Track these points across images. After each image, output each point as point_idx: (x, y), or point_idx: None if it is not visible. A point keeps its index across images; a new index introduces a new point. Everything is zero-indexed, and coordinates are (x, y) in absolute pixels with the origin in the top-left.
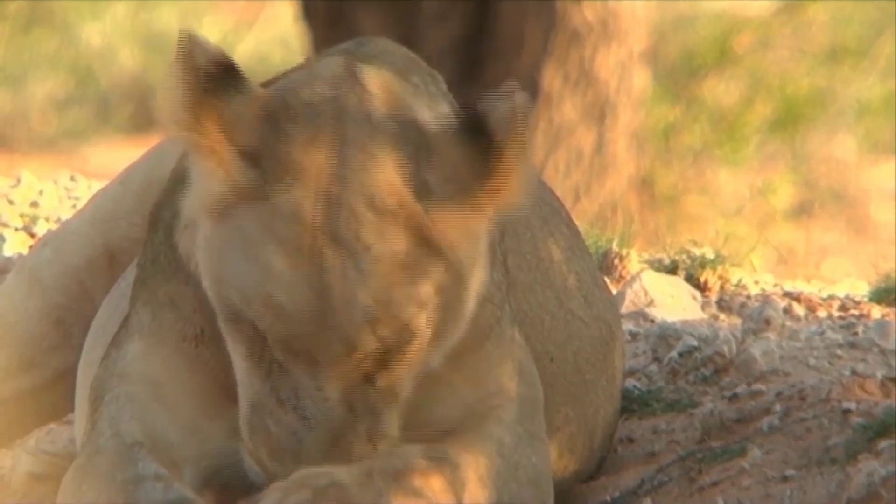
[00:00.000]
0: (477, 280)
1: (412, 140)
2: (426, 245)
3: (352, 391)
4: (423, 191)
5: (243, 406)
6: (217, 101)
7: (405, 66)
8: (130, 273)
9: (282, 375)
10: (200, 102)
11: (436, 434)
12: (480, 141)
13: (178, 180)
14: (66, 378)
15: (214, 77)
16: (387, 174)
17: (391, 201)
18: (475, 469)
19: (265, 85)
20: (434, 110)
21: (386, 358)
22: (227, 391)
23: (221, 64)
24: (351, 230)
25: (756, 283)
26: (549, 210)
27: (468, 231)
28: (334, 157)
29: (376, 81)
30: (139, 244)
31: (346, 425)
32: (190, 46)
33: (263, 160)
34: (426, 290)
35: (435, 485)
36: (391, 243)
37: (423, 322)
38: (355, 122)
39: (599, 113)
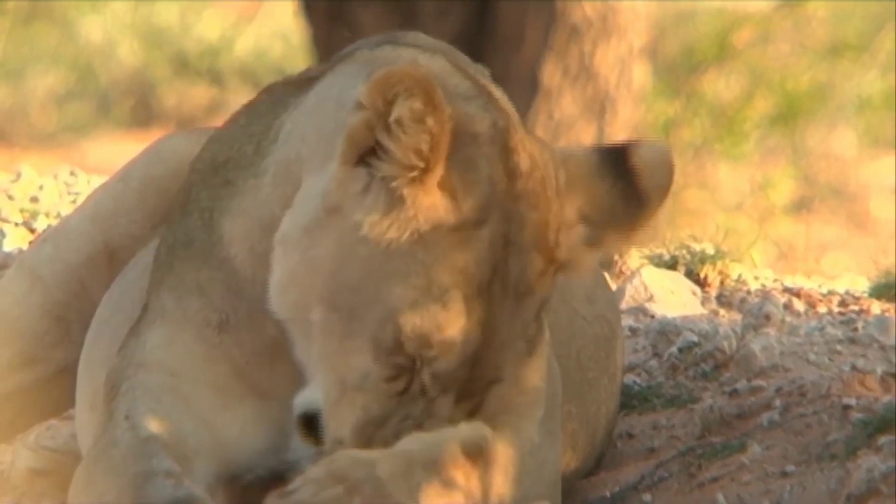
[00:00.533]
0: None
1: (557, 171)
2: (555, 274)
3: (479, 405)
4: (567, 227)
5: (355, 415)
6: (446, 140)
7: (456, 56)
8: (132, 269)
9: (420, 399)
10: (444, 146)
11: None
12: (623, 181)
13: (219, 163)
14: (66, 374)
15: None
16: (546, 213)
17: (552, 243)
18: (507, 466)
19: (308, 76)
20: (484, 76)
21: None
22: (246, 380)
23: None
24: (522, 275)
25: (756, 278)
26: None
27: (590, 264)
28: (513, 198)
29: (495, 90)
30: (139, 241)
31: (456, 420)
32: (432, 86)
33: (459, 194)
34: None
35: (470, 481)
36: (547, 284)
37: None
38: (518, 155)
39: (599, 108)
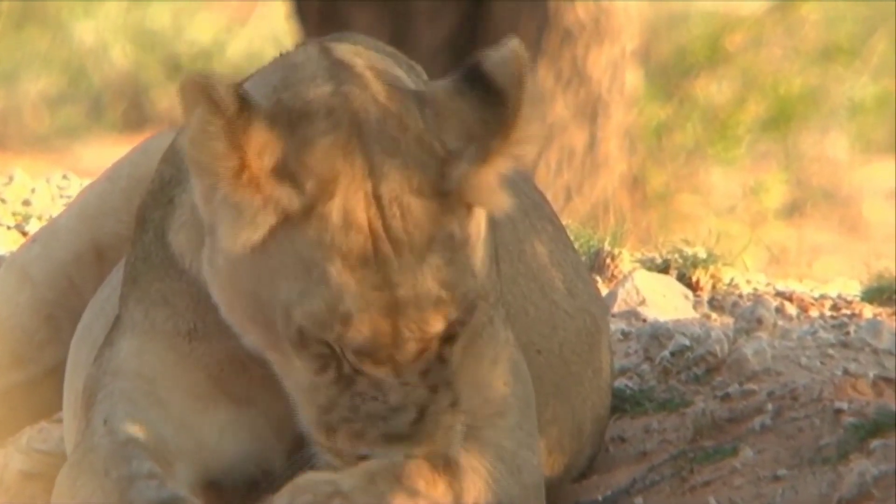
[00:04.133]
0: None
1: (422, 110)
2: (467, 212)
3: (432, 373)
4: (450, 158)
5: (311, 410)
6: (248, 135)
7: (376, 45)
8: (115, 276)
9: (361, 379)
10: (240, 144)
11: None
12: (485, 92)
13: (165, 181)
14: (57, 373)
15: (240, 112)
16: (415, 154)
17: (430, 179)
18: (478, 473)
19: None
20: (416, 74)
21: (454, 333)
22: (221, 386)
23: (239, 94)
24: (405, 223)
25: (748, 282)
26: (530, 203)
27: (495, 185)
28: (362, 155)
29: (357, 57)
30: (127, 240)
31: (430, 401)
32: (211, 87)
33: (299, 177)
34: (477, 256)
35: (437, 488)
36: (443, 223)
37: (479, 288)
38: (366, 111)
39: (591, 112)
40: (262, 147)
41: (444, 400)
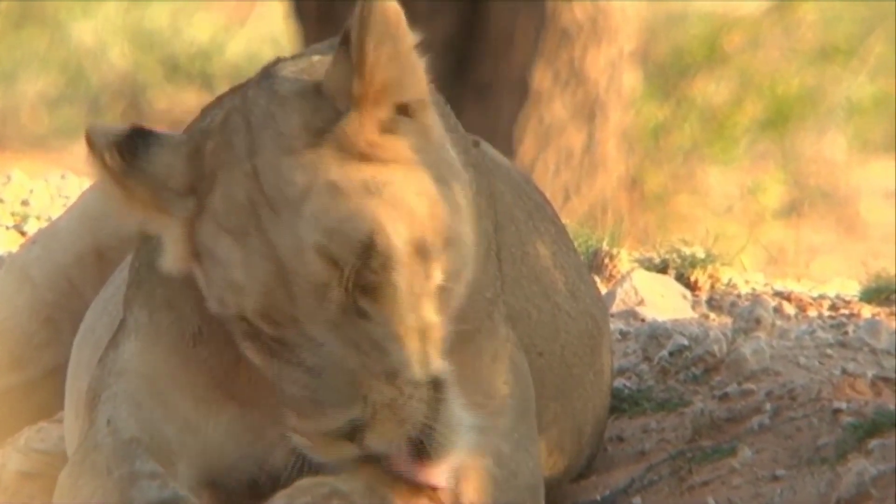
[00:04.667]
0: (455, 189)
1: (306, 82)
2: (356, 158)
3: (348, 330)
4: (327, 112)
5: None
6: (139, 171)
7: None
8: (118, 277)
9: (281, 347)
10: (126, 181)
11: None
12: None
13: None
14: (56, 375)
15: (123, 152)
16: (288, 118)
17: (301, 137)
18: (475, 477)
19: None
20: None
21: (365, 285)
22: (224, 389)
23: (123, 135)
24: (279, 183)
25: (746, 282)
26: (533, 205)
27: (375, 130)
28: (245, 140)
29: (288, 69)
30: (128, 242)
31: (355, 365)
32: (92, 140)
33: (195, 185)
34: (367, 201)
35: (436, 493)
36: (318, 173)
37: (387, 235)
38: (254, 104)
39: (589, 112)
40: (170, 175)
41: (376, 365)
